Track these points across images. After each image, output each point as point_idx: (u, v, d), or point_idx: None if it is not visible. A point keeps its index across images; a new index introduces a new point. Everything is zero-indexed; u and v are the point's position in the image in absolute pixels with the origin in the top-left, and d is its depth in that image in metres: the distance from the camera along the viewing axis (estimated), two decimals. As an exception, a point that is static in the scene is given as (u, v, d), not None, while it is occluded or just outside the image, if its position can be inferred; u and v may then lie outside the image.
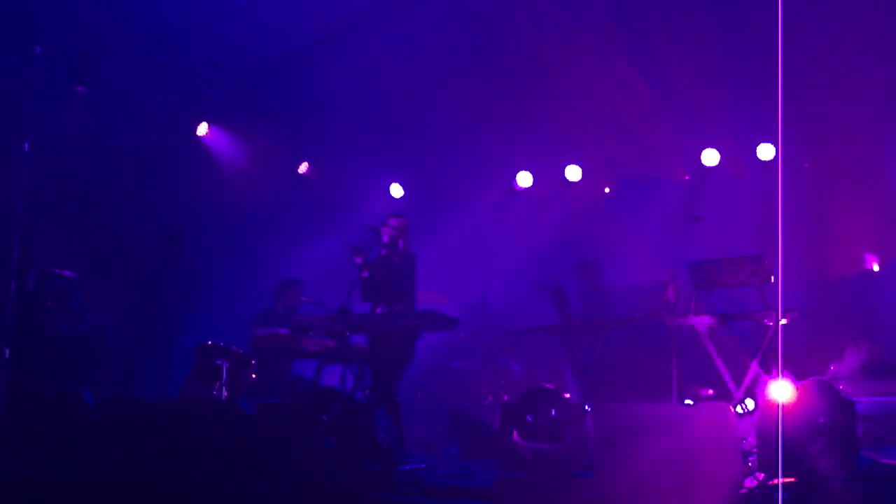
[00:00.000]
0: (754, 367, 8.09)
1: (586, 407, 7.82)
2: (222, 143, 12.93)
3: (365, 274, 8.84)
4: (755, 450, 6.40)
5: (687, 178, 13.07)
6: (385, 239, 8.92)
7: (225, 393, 8.92)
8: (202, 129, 12.58)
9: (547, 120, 12.22)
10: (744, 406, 8.07)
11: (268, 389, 9.64)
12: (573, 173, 13.54)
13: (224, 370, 8.99)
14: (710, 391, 10.23)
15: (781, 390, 6.53)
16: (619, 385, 10.28)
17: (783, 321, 7.99)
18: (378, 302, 8.85)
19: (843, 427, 6.08)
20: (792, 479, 6.01)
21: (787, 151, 12.21)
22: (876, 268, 11.88)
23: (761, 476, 6.24)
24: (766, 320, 8.02)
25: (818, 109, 11.26)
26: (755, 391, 9.05)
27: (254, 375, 9.48)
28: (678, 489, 6.00)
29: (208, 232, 12.19)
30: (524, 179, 13.88)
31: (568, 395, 9.03)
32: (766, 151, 12.22)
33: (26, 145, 8.56)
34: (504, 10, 10.52)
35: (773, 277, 8.03)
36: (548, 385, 8.47)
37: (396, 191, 14.19)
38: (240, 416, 7.42)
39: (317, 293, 10.82)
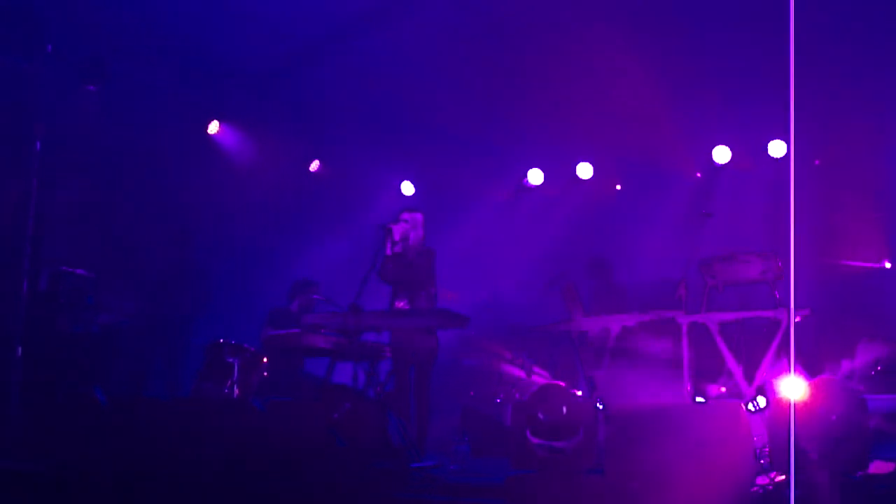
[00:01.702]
0: (766, 364, 8.07)
1: (598, 404, 7.81)
2: (233, 141, 12.94)
3: (388, 250, 8.84)
4: (767, 448, 6.38)
5: (699, 175, 13.05)
6: (396, 236, 8.91)
7: (236, 391, 8.94)
8: (213, 127, 12.60)
9: (558, 117, 12.21)
10: (756, 404, 8.05)
11: (279, 388, 9.66)
12: (584, 170, 13.53)
13: (236, 368, 9.01)
14: (723, 389, 10.22)
15: (793, 388, 6.50)
16: (631, 382, 10.26)
17: (795, 318, 7.96)
18: (395, 295, 8.85)
19: (855, 425, 6.06)
20: (804, 477, 5.99)
21: (799, 148, 12.17)
22: (888, 265, 11.83)
23: (773, 474, 6.22)
24: (777, 317, 8.01)
25: (829, 106, 11.23)
26: (767, 389, 9.04)
27: (265, 373, 9.50)
28: (690, 487, 5.99)
29: (220, 230, 12.21)
30: (535, 177, 13.87)
31: (579, 393, 9.03)
32: (777, 148, 12.20)
33: (37, 144, 8.59)
34: (514, 8, 10.50)
35: (784, 274, 8.01)
36: (559, 382, 8.46)
37: (407, 188, 14.19)
38: (251, 415, 7.42)
39: (328, 291, 10.84)
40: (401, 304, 8.75)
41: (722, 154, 12.57)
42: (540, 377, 11.02)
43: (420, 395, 8.63)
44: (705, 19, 10.36)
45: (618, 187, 13.84)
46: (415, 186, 14.19)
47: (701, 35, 10.58)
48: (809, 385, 6.38)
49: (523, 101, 12.03)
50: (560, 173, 13.82)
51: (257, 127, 12.94)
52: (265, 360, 9.52)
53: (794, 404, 6.30)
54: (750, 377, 8.07)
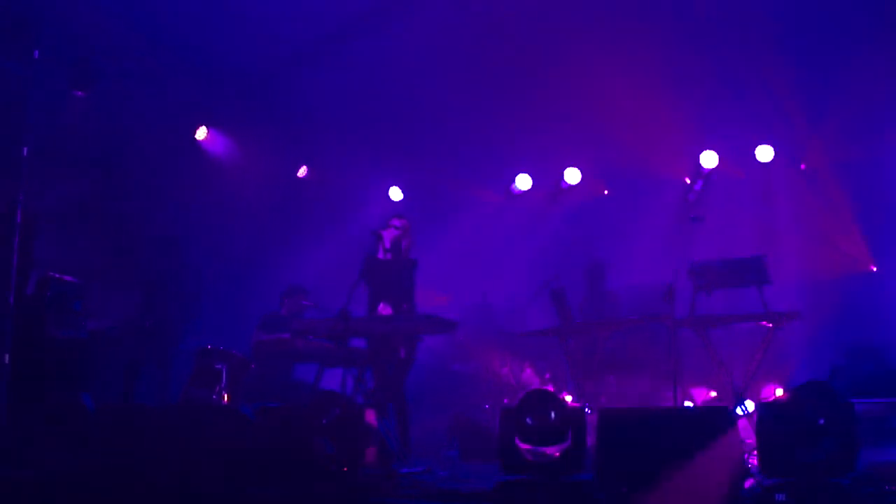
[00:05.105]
0: (754, 368, 8.09)
1: (587, 409, 7.82)
2: (223, 146, 12.93)
3: (380, 255, 8.86)
4: (755, 451, 6.40)
5: (687, 179, 13.09)
6: (388, 243, 8.93)
7: (225, 397, 8.93)
8: (201, 133, 12.58)
9: (546, 122, 12.23)
10: (744, 407, 8.07)
11: (269, 393, 9.65)
12: (572, 176, 13.55)
13: (224, 374, 8.99)
14: (711, 393, 10.24)
15: (781, 391, 6.53)
16: (620, 387, 10.28)
17: (783, 322, 7.99)
18: (378, 300, 8.85)
19: (842, 428, 6.08)
20: (792, 481, 6.01)
21: (784, 152, 12.26)
22: (874, 268, 11.90)
23: (761, 477, 6.24)
24: (766, 321, 8.02)
25: (815, 110, 11.31)
26: (755, 392, 9.05)
27: (254, 378, 9.49)
28: (678, 491, 6.00)
29: (210, 235, 12.19)
30: (523, 182, 13.89)
31: (568, 398, 9.03)
32: (764, 153, 12.25)
33: (25, 150, 8.55)
34: (502, 15, 10.53)
35: (772, 278, 8.04)
36: (548, 387, 8.46)
37: (396, 194, 14.19)
38: (240, 420, 7.41)
39: (317, 297, 10.85)
40: (384, 310, 8.74)
41: (709, 159, 12.60)
42: (529, 382, 11.03)
43: (397, 398, 8.61)
44: (693, 26, 10.42)
45: (605, 192, 13.87)
46: (403, 192, 14.19)
47: (688, 41, 10.63)
48: (797, 388, 6.40)
49: (512, 106, 12.06)
50: (548, 178, 13.85)
51: (247, 132, 12.93)
52: (253, 365, 9.53)
53: (782, 408, 6.32)
54: (738, 381, 8.08)
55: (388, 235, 8.95)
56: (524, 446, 6.74)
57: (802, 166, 12.33)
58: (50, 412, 7.94)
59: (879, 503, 5.87)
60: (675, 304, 8.10)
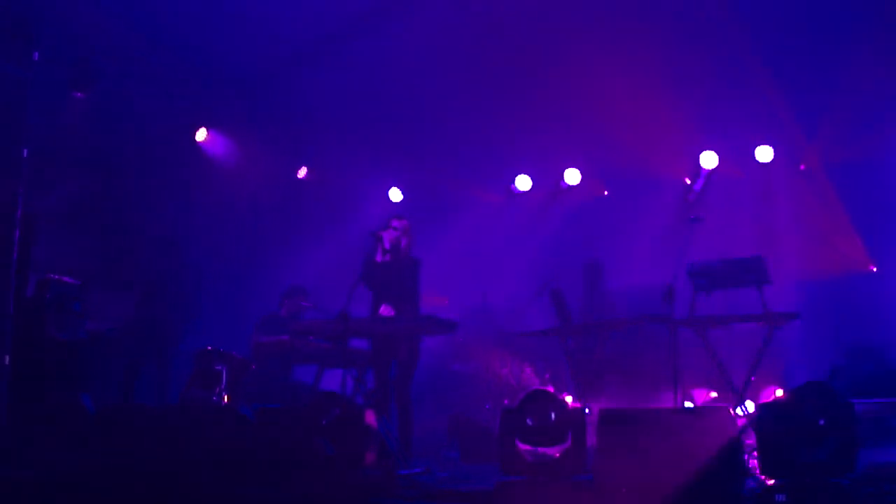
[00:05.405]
0: (754, 368, 8.08)
1: (586, 410, 7.82)
2: (223, 147, 12.92)
3: (378, 257, 8.86)
4: (755, 452, 6.40)
5: (686, 180, 13.09)
6: (387, 244, 8.91)
7: (225, 398, 8.92)
8: (201, 134, 12.58)
9: (546, 122, 12.23)
10: (744, 408, 8.06)
11: (268, 394, 9.65)
12: (572, 176, 13.56)
13: (224, 375, 8.99)
14: (712, 393, 10.25)
15: (781, 392, 6.52)
16: (619, 387, 10.28)
17: (783, 322, 7.99)
18: (379, 301, 8.84)
19: (842, 428, 6.07)
20: (792, 481, 6.01)
21: (784, 153, 12.26)
22: (874, 268, 11.89)
23: (762, 478, 6.24)
24: (765, 322, 8.02)
25: (814, 110, 11.30)
26: (755, 393, 9.05)
27: (254, 379, 9.49)
28: (678, 492, 5.99)
29: (208, 236, 12.19)
30: (523, 182, 13.90)
31: (568, 399, 9.03)
32: (764, 153, 12.26)
33: (24, 152, 8.56)
34: (502, 15, 10.53)
35: (772, 279, 8.03)
36: (548, 388, 8.47)
37: (395, 195, 14.19)
38: (239, 422, 7.41)
39: (317, 298, 10.85)
40: (386, 311, 8.73)
41: (709, 159, 12.61)
42: (528, 383, 11.02)
43: (402, 399, 8.62)
44: (693, 27, 10.42)
45: (605, 192, 13.88)
46: (403, 193, 14.19)
47: (688, 42, 10.63)
48: (797, 389, 6.39)
49: (512, 107, 12.06)
50: (548, 179, 13.85)
51: (247, 133, 12.93)
52: (252, 366, 9.53)
53: (782, 408, 6.32)
54: (738, 382, 8.08)
55: (388, 236, 8.93)
56: (524, 447, 6.73)
57: (802, 167, 12.33)
58: (50, 412, 7.94)
59: (879, 503, 5.87)
60: (675, 304, 8.10)
